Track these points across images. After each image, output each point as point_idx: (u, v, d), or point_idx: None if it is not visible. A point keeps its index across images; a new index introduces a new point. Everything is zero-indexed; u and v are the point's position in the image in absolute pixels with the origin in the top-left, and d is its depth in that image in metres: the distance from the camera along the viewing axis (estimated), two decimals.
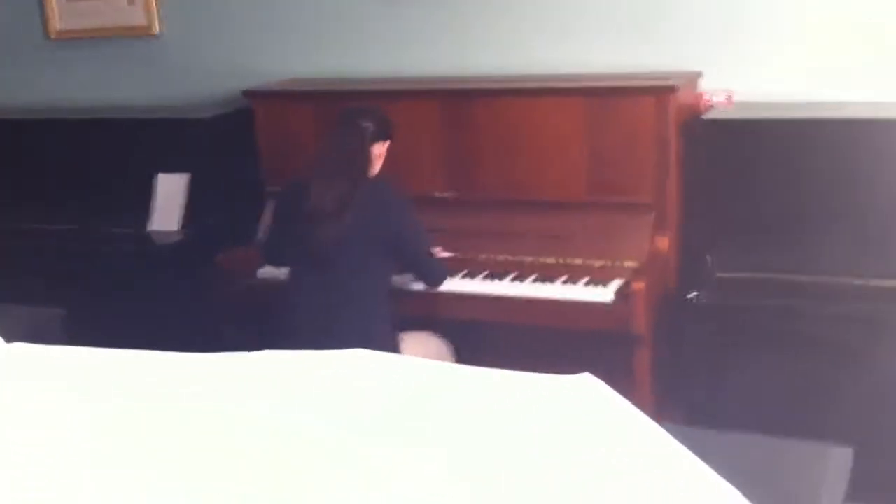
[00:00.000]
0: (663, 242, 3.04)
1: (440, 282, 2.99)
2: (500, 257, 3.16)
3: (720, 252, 2.97)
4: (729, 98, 3.19)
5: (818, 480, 1.64)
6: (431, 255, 2.97)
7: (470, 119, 3.25)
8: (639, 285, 2.86)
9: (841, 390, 2.73)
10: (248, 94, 3.64)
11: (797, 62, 3.13)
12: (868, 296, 2.77)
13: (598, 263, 3.06)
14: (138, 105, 4.18)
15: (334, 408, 1.61)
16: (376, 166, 2.90)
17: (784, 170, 2.91)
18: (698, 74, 3.20)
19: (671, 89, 2.98)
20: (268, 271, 3.40)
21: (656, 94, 2.99)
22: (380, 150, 2.89)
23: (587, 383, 1.62)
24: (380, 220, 2.80)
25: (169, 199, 3.79)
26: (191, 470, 1.44)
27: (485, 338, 3.19)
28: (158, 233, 3.77)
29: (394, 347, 2.82)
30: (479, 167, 3.24)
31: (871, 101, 2.99)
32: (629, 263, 3.02)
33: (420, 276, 3.00)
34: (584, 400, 1.58)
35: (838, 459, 1.74)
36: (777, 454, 1.72)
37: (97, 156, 3.91)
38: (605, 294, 2.94)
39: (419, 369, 1.79)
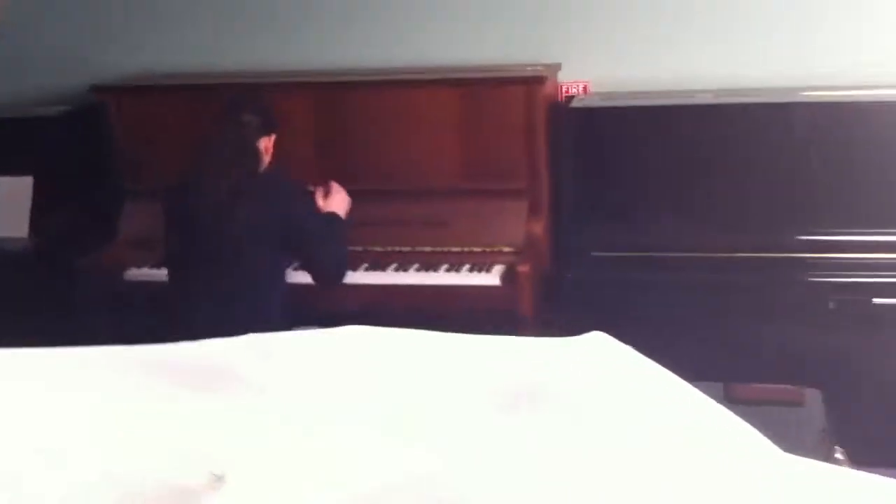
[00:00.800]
0: (538, 226, 3.18)
1: (341, 272, 2.93)
2: (381, 247, 3.20)
3: (590, 233, 3.14)
4: (585, 88, 3.38)
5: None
6: (329, 244, 2.92)
7: (342, 111, 3.26)
8: (523, 268, 2.98)
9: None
10: (100, 89, 3.47)
11: (648, 52, 3.36)
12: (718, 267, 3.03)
13: (477, 249, 3.16)
14: None
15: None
16: (265, 160, 2.85)
17: (643, 153, 3.13)
18: (558, 66, 3.36)
19: (540, 79, 3.12)
20: (136, 273, 3.27)
21: (526, 83, 3.12)
22: (266, 143, 2.84)
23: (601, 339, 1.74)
24: (274, 208, 2.76)
25: (12, 203, 3.54)
26: None
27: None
28: (3, 240, 3.52)
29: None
30: (354, 158, 3.26)
31: (717, 88, 3.26)
32: (508, 248, 3.14)
33: (317, 267, 2.91)
34: (608, 355, 1.70)
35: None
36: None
37: None
38: (490, 278, 3.04)
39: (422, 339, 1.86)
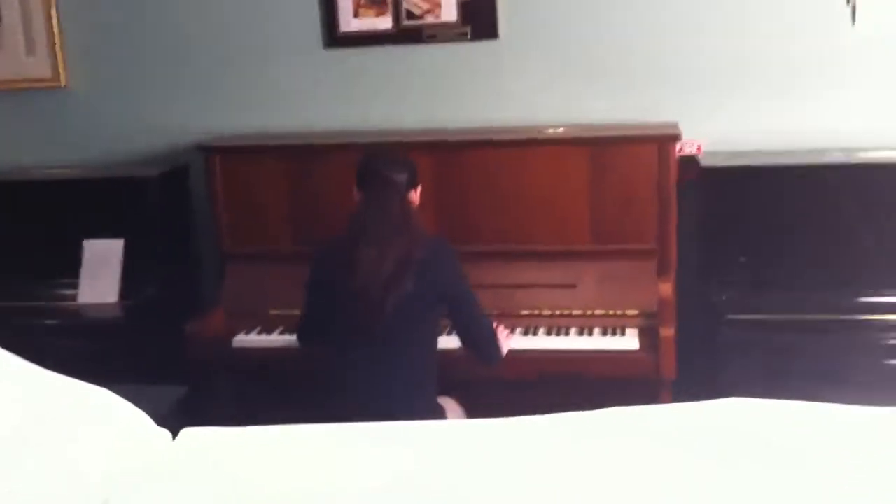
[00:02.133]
0: (667, 288, 3.08)
1: (496, 352, 2.73)
2: (507, 311, 3.06)
3: (721, 294, 3.04)
4: (699, 147, 3.32)
5: None
6: (485, 316, 2.73)
7: (464, 170, 3.15)
8: (667, 332, 2.86)
9: None
10: (204, 148, 3.34)
11: (761, 113, 3.32)
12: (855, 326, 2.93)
13: (608, 312, 3.05)
14: (43, 165, 3.74)
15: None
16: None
17: (774, 213, 3.05)
18: (675, 125, 3.30)
19: (674, 137, 3.05)
20: (244, 339, 3.11)
21: (659, 142, 3.04)
22: (415, 198, 2.71)
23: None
24: (437, 281, 2.58)
25: (102, 267, 3.38)
26: None
27: (489, 395, 3.06)
28: (92, 306, 3.34)
29: (440, 415, 2.64)
30: (477, 219, 3.15)
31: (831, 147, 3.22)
32: (637, 310, 3.03)
33: (474, 345, 2.70)
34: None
35: None
36: None
37: (11, 222, 3.45)
38: (628, 342, 2.92)
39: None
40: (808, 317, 2.91)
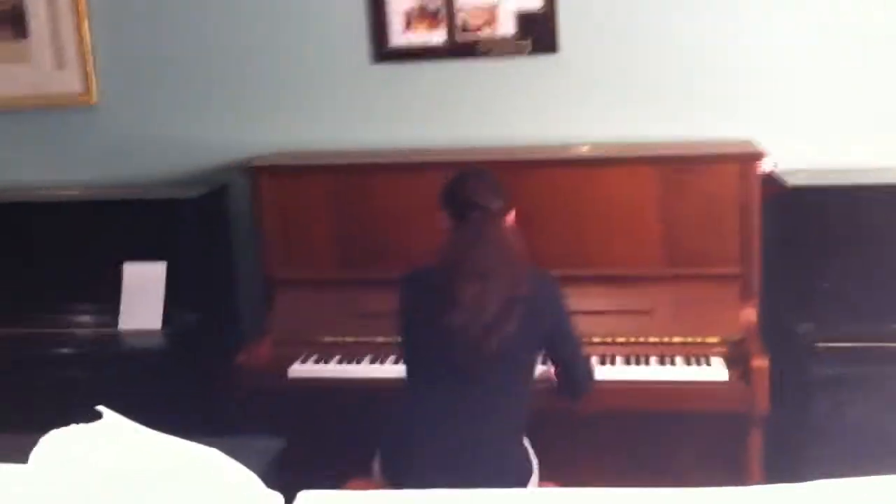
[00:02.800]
0: (751, 314, 2.91)
1: (590, 389, 2.53)
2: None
3: (803, 321, 2.88)
4: (776, 165, 3.17)
5: None
6: (586, 356, 2.55)
7: (531, 190, 2.97)
8: (760, 363, 2.68)
9: None
10: (250, 168, 3.15)
11: (836, 131, 3.17)
12: None
13: (686, 339, 2.87)
14: (72, 185, 3.54)
15: None
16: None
17: (859, 236, 2.89)
18: (752, 143, 3.14)
19: (757, 156, 2.89)
20: (301, 369, 2.91)
21: (742, 161, 2.89)
22: (511, 223, 2.47)
23: None
24: (543, 320, 2.35)
25: (143, 292, 3.17)
26: None
27: (560, 429, 2.87)
28: (134, 333, 3.13)
29: (529, 466, 2.42)
30: (545, 241, 2.94)
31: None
32: (720, 338, 2.86)
33: (570, 382, 2.49)
34: None
35: None
36: None
37: (47, 243, 3.24)
38: (716, 372, 2.74)
39: None
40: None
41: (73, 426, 1.74)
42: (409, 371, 2.46)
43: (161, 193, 3.35)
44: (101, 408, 1.79)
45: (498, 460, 2.33)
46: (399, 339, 2.50)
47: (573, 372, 2.46)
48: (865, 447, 2.78)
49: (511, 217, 2.45)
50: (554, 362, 2.50)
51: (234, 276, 3.52)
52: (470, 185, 2.40)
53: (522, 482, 2.36)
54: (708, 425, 2.91)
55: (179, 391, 3.02)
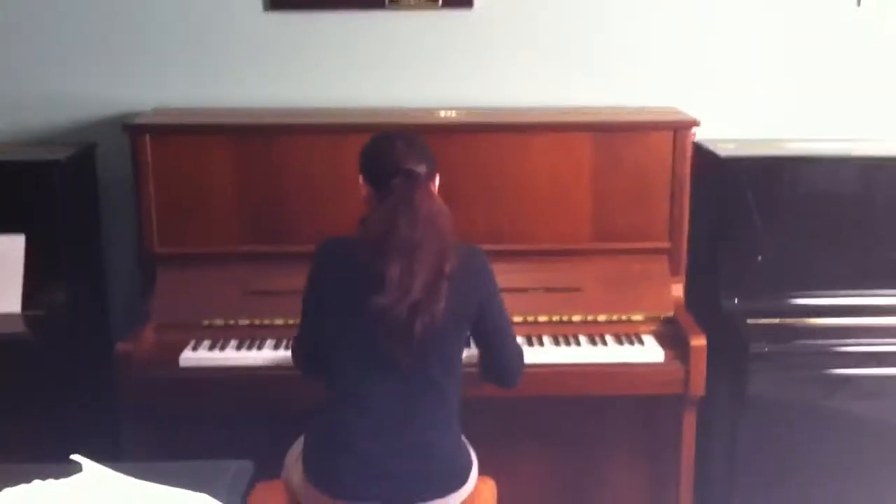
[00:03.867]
0: (679, 290, 2.76)
1: (519, 374, 2.27)
2: None
3: (734, 297, 2.76)
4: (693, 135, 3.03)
5: None
6: (515, 338, 2.27)
7: (447, 159, 2.65)
8: (697, 342, 2.54)
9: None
10: (131, 127, 2.73)
11: (756, 99, 3.07)
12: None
13: (614, 317, 2.70)
14: None
15: None
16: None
17: (792, 208, 2.78)
18: (678, 111, 2.97)
19: (690, 124, 2.73)
20: (194, 357, 2.55)
21: (675, 128, 2.72)
22: (434, 191, 2.19)
23: None
24: (471, 298, 2.10)
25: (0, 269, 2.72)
26: None
27: (486, 416, 2.64)
28: None
29: (469, 461, 2.19)
30: (465, 214, 2.67)
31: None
32: (647, 314, 2.70)
33: (498, 366, 2.23)
34: None
35: None
36: None
37: None
38: (652, 353, 2.58)
39: None
40: (835, 321, 2.67)
41: (39, 483, 1.40)
42: (324, 355, 2.15)
43: (19, 155, 2.88)
44: (76, 457, 1.48)
45: (440, 457, 2.09)
46: (307, 315, 2.20)
47: (502, 355, 2.21)
48: (799, 431, 2.71)
49: (435, 183, 2.18)
50: (479, 344, 2.24)
51: (105, 251, 3.10)
52: (396, 148, 2.10)
53: (464, 479, 2.12)
54: (637, 406, 2.76)
55: (45, 386, 2.60)
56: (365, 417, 2.06)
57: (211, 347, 2.60)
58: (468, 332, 2.17)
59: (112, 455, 2.98)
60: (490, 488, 2.29)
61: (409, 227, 2.00)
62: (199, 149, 2.76)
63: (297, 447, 2.27)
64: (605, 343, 2.62)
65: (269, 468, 2.31)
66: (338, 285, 2.10)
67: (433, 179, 2.16)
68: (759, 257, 2.76)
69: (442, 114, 2.92)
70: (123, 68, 3.03)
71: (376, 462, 2.04)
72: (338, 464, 2.05)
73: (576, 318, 2.70)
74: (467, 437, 2.25)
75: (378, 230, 2.02)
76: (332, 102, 3.03)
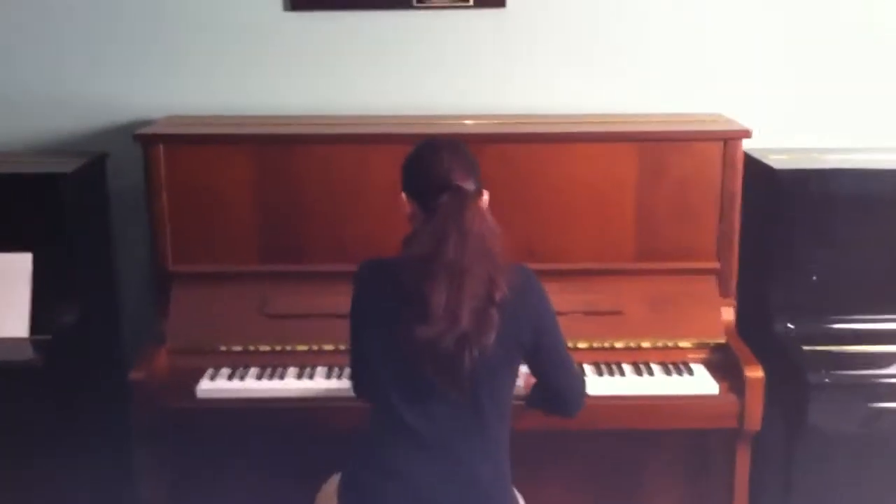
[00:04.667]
0: (730, 313, 2.58)
1: (581, 402, 2.07)
2: None
3: (786, 321, 2.58)
4: None
5: None
6: (572, 361, 2.07)
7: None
8: (754, 373, 2.35)
9: None
10: (145, 137, 2.56)
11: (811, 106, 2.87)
12: None
13: (660, 343, 2.52)
14: None
15: None
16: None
17: (857, 224, 2.58)
18: (730, 120, 2.77)
19: (741, 134, 2.53)
20: (212, 388, 2.39)
21: (724, 138, 2.53)
22: (484, 207, 1.97)
23: None
24: (524, 324, 1.91)
25: (3, 290, 2.56)
26: None
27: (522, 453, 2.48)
28: None
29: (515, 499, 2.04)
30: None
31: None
32: (699, 341, 2.52)
33: (559, 397, 2.03)
34: None
35: None
36: None
37: None
38: (704, 384, 2.39)
39: None
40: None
41: None
42: (367, 386, 1.98)
43: (24, 166, 2.71)
44: None
45: (493, 498, 1.94)
46: (353, 340, 2.02)
47: (560, 383, 2.02)
48: (859, 464, 2.53)
49: (484, 200, 1.98)
50: (535, 373, 2.05)
51: (117, 269, 2.94)
52: (443, 162, 1.90)
53: None
54: (684, 434, 2.59)
55: (53, 415, 2.45)
56: (411, 446, 1.90)
57: (230, 377, 2.43)
58: (521, 362, 2.00)
59: (123, 488, 2.85)
60: None
61: (456, 250, 1.82)
62: (216, 159, 2.59)
63: (330, 485, 2.11)
64: (651, 373, 2.44)
65: None
66: (380, 312, 1.92)
67: (482, 195, 1.97)
68: (814, 277, 2.57)
69: (472, 122, 2.73)
70: (135, 71, 2.86)
71: (427, 491, 1.88)
72: (385, 491, 1.89)
73: (618, 344, 2.52)
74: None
75: (423, 251, 1.85)
76: (356, 109, 2.85)
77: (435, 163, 1.90)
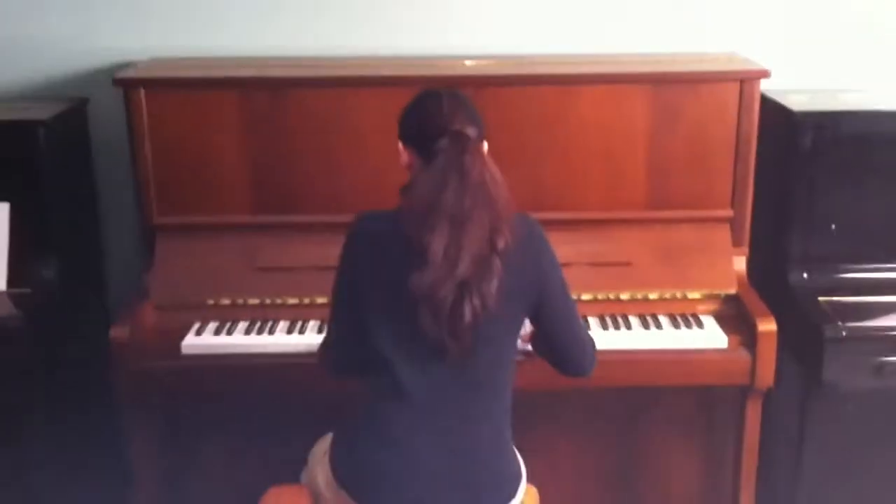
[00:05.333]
0: (742, 263, 2.46)
1: (591, 363, 1.95)
2: None
3: (804, 270, 2.46)
4: None
5: None
6: (579, 317, 1.94)
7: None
8: (766, 327, 2.24)
9: None
10: (128, 82, 2.41)
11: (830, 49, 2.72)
12: None
13: (669, 294, 2.40)
14: None
15: None
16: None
17: (870, 170, 2.45)
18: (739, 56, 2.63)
19: (760, 74, 2.39)
20: (198, 343, 2.28)
21: (741, 78, 2.38)
22: (486, 154, 1.86)
23: None
24: (528, 276, 1.81)
25: None
26: None
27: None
28: None
29: (518, 470, 1.93)
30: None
31: None
32: (709, 292, 2.40)
33: (566, 353, 1.92)
34: None
35: None
36: None
37: None
38: (714, 338, 2.28)
39: None
40: None
41: None
42: (360, 349, 1.86)
43: (0, 114, 2.58)
44: None
45: (492, 464, 1.84)
46: (338, 307, 1.90)
47: (571, 343, 1.91)
48: (877, 419, 2.42)
49: (485, 147, 1.86)
50: (541, 332, 1.94)
51: (101, 221, 2.81)
52: (442, 107, 1.80)
53: (513, 492, 1.86)
54: (692, 390, 2.48)
55: (34, 373, 2.34)
56: (408, 412, 1.80)
57: (217, 331, 2.32)
58: (525, 318, 1.89)
59: (111, 450, 2.75)
60: (533, 498, 2.02)
61: (456, 195, 1.71)
62: (202, 104, 2.44)
63: (322, 445, 2.01)
64: (658, 326, 2.33)
65: (286, 469, 2.07)
66: (376, 266, 1.81)
67: (482, 142, 1.85)
68: (833, 226, 2.44)
69: (473, 63, 2.58)
70: (118, 10, 2.70)
71: (425, 460, 1.78)
72: (373, 457, 1.80)
73: (624, 295, 2.40)
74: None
75: (421, 199, 1.73)
76: (350, 50, 2.70)
77: (434, 108, 1.80)
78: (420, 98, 1.86)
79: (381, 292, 1.79)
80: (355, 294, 1.83)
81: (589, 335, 1.96)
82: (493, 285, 1.72)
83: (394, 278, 1.74)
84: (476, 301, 1.71)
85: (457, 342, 1.73)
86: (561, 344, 1.90)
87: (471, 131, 1.79)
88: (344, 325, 1.89)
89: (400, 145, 1.85)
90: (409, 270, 1.71)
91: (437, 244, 1.69)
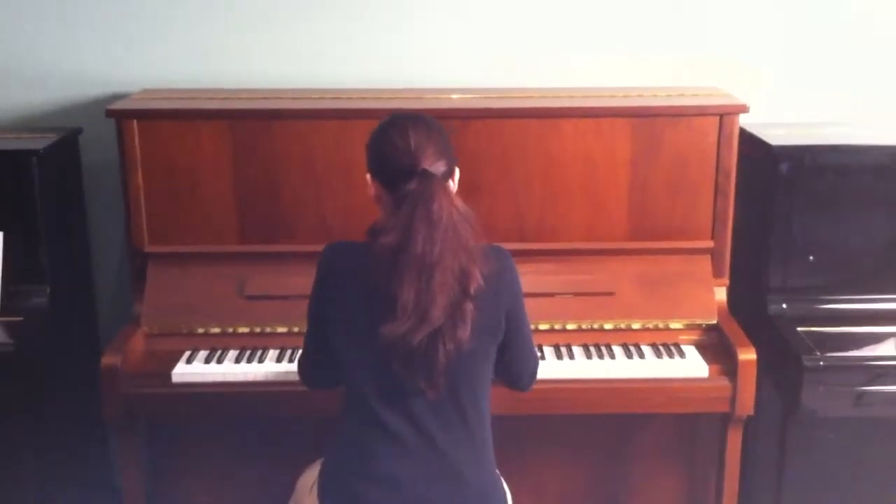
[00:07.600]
0: (722, 294, 2.50)
1: (533, 379, 2.02)
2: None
3: (782, 302, 2.51)
4: None
5: None
6: (532, 342, 1.99)
7: (467, 149, 2.40)
8: (747, 355, 2.29)
9: None
10: (119, 113, 2.45)
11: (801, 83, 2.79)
12: None
13: (652, 324, 2.44)
14: None
15: None
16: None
17: (854, 203, 2.50)
18: (720, 91, 2.69)
19: (738, 109, 2.45)
20: (189, 372, 2.31)
21: (721, 112, 2.44)
22: (455, 186, 1.88)
23: None
24: (498, 309, 1.83)
25: None
26: None
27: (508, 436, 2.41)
28: None
29: (504, 495, 1.96)
30: (486, 210, 2.42)
31: None
32: (691, 322, 2.45)
33: (516, 377, 1.98)
34: None
35: None
36: None
37: None
38: (695, 367, 2.33)
39: None
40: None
41: None
42: (334, 370, 1.88)
43: None
44: None
45: (478, 490, 1.87)
46: (312, 326, 1.92)
47: (520, 360, 1.94)
48: (854, 447, 2.47)
49: (455, 178, 1.87)
50: (501, 356, 1.93)
51: (91, 249, 2.85)
52: (410, 143, 1.77)
53: None
54: (677, 421, 2.53)
55: (24, 400, 2.37)
56: (389, 444, 1.82)
57: (207, 360, 2.35)
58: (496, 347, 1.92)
59: (101, 475, 2.77)
60: None
61: (426, 242, 1.71)
62: (192, 135, 2.49)
63: (310, 475, 2.04)
64: (641, 355, 2.37)
65: (274, 495, 2.10)
66: (345, 303, 1.82)
67: (453, 175, 1.86)
68: (812, 257, 2.50)
69: (458, 96, 2.64)
70: (110, 43, 2.75)
71: (407, 489, 1.81)
72: (362, 492, 1.82)
73: (608, 325, 2.45)
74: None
75: (389, 248, 1.73)
76: (339, 82, 2.75)
77: (401, 145, 1.77)
78: (385, 129, 1.82)
79: (354, 336, 1.81)
80: (328, 331, 1.85)
81: (537, 359, 2.02)
82: (467, 330, 1.73)
83: (361, 319, 1.76)
84: (450, 346, 1.73)
85: (430, 384, 1.75)
86: (511, 363, 1.93)
87: (439, 167, 1.78)
88: (317, 344, 1.92)
89: (368, 177, 1.84)
90: (381, 315, 1.72)
91: (407, 294, 1.70)
